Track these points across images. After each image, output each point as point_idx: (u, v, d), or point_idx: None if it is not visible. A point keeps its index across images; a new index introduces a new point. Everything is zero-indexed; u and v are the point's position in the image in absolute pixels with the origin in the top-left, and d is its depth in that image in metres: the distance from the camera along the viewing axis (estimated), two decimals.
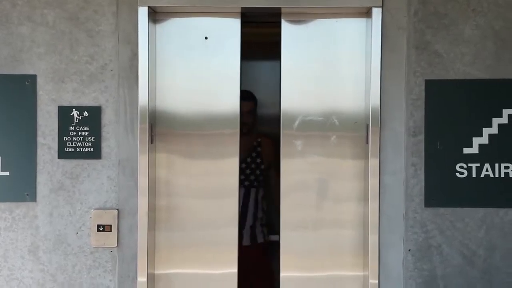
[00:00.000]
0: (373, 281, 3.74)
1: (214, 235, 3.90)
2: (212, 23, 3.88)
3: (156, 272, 3.90)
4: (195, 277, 3.91)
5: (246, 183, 5.02)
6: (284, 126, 3.87)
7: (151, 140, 3.79)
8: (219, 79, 3.88)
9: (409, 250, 3.76)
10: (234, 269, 3.90)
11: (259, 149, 5.04)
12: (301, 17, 3.86)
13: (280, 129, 3.87)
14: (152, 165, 3.81)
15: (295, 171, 3.87)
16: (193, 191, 3.90)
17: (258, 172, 5.04)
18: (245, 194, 5.02)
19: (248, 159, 5.02)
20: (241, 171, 4.77)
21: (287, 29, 3.87)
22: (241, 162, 4.48)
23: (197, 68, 3.88)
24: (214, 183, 3.90)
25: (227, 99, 3.89)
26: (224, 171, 3.89)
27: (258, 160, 5.03)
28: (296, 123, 3.88)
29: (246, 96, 4.77)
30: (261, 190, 5.08)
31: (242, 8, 3.80)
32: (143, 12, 3.75)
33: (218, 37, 3.88)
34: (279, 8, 3.80)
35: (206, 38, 3.89)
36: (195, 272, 3.90)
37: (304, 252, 3.88)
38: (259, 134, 5.12)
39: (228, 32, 3.88)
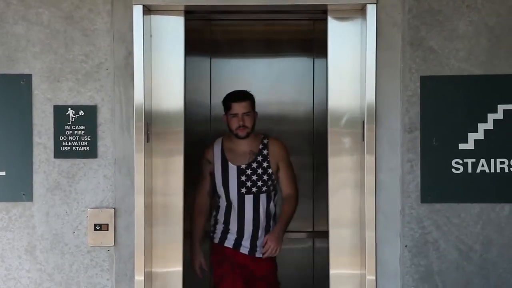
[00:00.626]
0: (371, 277, 3.75)
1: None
2: None
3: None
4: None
5: (254, 189, 4.48)
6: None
7: (147, 139, 3.79)
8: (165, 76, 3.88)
9: (406, 246, 3.76)
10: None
11: (265, 151, 4.56)
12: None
13: (328, 127, 3.87)
14: (148, 164, 3.80)
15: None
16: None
17: (265, 177, 4.50)
18: (253, 202, 4.49)
19: (254, 164, 4.50)
20: (247, 177, 4.48)
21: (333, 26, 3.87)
22: (246, 168, 4.48)
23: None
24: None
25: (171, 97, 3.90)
26: (169, 170, 3.89)
27: (265, 164, 4.52)
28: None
29: (240, 96, 4.47)
30: (271, 196, 4.56)
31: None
32: (138, 10, 3.74)
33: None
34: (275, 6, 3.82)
35: None
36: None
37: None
38: (266, 136, 4.62)
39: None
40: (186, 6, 3.83)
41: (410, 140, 3.77)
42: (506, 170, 3.75)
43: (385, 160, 3.77)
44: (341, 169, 3.85)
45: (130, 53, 3.77)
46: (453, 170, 3.76)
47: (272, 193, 4.54)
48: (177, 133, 3.87)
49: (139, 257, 3.75)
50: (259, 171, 4.48)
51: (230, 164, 4.49)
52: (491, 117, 3.75)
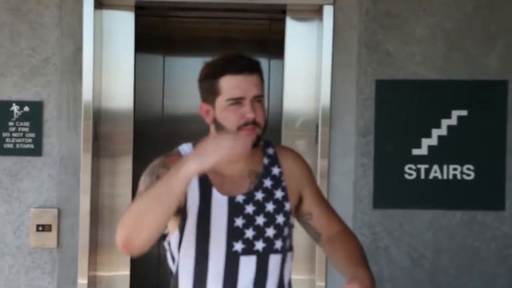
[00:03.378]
0: (320, 283, 3.69)
1: None
2: None
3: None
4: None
5: (260, 245, 2.14)
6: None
7: (95, 138, 3.67)
8: (115, 73, 3.78)
9: None
10: None
11: (276, 170, 2.25)
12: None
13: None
14: (95, 163, 3.69)
15: None
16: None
17: (280, 219, 2.18)
18: (256, 271, 2.16)
19: (259, 194, 2.18)
20: (248, 219, 2.14)
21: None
22: (245, 200, 2.14)
23: None
24: None
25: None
26: (117, 170, 3.79)
27: (279, 194, 2.21)
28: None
29: (247, 65, 2.13)
30: (286, 258, 2.23)
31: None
32: (88, 4, 3.63)
33: None
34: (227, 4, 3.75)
35: None
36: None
37: None
38: (268, 142, 2.32)
39: None
40: (137, 2, 3.73)
41: (364, 145, 3.73)
42: (459, 177, 3.72)
43: (338, 164, 3.72)
44: None
45: (79, 49, 3.65)
46: (406, 175, 3.72)
47: (289, 253, 2.26)
48: (126, 133, 3.77)
49: (83, 259, 3.64)
50: (269, 206, 2.17)
51: (215, 193, 2.14)
52: (444, 122, 3.71)
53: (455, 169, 3.72)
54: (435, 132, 3.71)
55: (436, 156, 3.72)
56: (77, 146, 3.66)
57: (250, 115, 2.04)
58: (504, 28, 3.72)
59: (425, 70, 3.73)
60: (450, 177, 3.72)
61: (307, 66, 3.78)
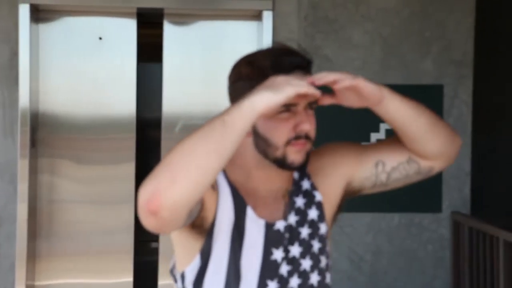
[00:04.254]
0: None
1: (106, 243, 3.76)
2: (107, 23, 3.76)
3: (36, 283, 3.71)
4: (83, 287, 3.75)
5: (295, 282, 1.68)
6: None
7: (32, 144, 3.61)
8: (114, 81, 3.75)
9: None
10: (130, 278, 3.76)
11: (305, 185, 1.76)
12: (187, 18, 3.78)
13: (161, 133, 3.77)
14: (33, 170, 3.62)
15: None
16: (82, 197, 3.74)
17: (317, 246, 1.72)
18: None
19: (293, 218, 1.70)
20: (286, 250, 1.69)
21: (170, 30, 3.78)
22: (285, 228, 1.68)
23: (90, 69, 3.75)
24: (106, 189, 3.75)
25: (122, 102, 3.77)
26: (118, 177, 3.75)
27: (313, 214, 1.73)
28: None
29: (300, 60, 1.64)
30: None
31: (138, 8, 3.70)
32: (24, 10, 3.56)
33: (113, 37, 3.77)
34: (162, 9, 3.72)
35: (100, 38, 3.75)
36: (83, 282, 3.75)
37: None
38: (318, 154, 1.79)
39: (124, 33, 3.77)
40: (71, 6, 3.68)
41: None
42: None
43: None
44: None
45: (15, 54, 3.58)
46: None
47: None
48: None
49: (20, 268, 3.56)
50: (304, 231, 1.73)
51: (250, 214, 1.67)
52: (382, 126, 3.77)
53: None
54: (374, 136, 3.76)
55: None
56: (14, 153, 3.59)
57: (305, 127, 1.56)
58: (438, 34, 3.79)
59: (363, 75, 3.76)
60: None
61: None
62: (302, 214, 1.71)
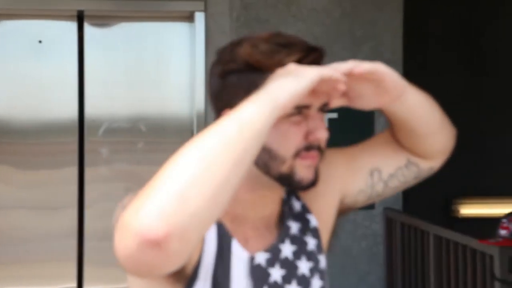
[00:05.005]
0: None
1: (48, 249, 3.69)
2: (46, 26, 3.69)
3: None
4: None
5: None
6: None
7: None
8: (55, 84, 3.67)
9: None
10: (73, 284, 3.70)
11: (296, 206, 1.39)
12: (111, 20, 3.74)
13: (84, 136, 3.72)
14: None
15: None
16: (23, 203, 3.66)
17: (316, 287, 1.34)
18: None
19: (287, 247, 1.33)
20: None
21: (90, 32, 3.73)
22: (269, 260, 1.29)
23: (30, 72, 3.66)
24: (48, 194, 3.68)
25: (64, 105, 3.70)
26: (60, 181, 3.68)
27: (312, 244, 1.36)
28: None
29: (315, 49, 1.31)
30: None
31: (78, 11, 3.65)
32: None
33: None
34: (83, 11, 3.68)
35: (40, 41, 3.68)
36: None
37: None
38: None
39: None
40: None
41: None
42: None
43: None
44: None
45: None
46: None
47: None
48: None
49: None
50: (303, 266, 1.34)
51: (235, 248, 1.28)
52: None
53: None
54: None
55: None
56: None
57: (321, 135, 1.22)
58: (369, 33, 3.86)
59: None
60: None
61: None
62: (299, 243, 1.33)
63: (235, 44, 1.27)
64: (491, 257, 3.08)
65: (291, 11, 3.81)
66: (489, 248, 3.13)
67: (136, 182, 3.68)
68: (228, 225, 1.27)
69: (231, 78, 1.23)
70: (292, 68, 1.15)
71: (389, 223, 3.85)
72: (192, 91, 3.72)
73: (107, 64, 3.73)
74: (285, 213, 1.34)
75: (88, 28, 3.72)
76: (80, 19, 3.72)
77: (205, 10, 3.71)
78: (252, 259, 1.26)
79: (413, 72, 3.86)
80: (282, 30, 3.82)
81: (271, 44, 1.22)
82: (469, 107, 4.50)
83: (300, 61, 1.20)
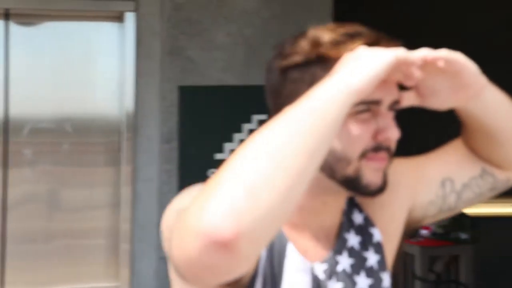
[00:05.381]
0: None
1: None
2: None
3: None
4: None
5: None
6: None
7: None
8: None
9: (162, 258, 3.71)
10: None
11: (357, 219, 1.29)
12: (39, 19, 3.67)
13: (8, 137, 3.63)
14: None
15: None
16: None
17: None
18: None
19: (342, 261, 1.23)
20: None
21: (16, 30, 3.66)
22: (330, 271, 1.20)
23: None
24: None
25: None
26: None
27: (373, 260, 1.26)
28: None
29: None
30: None
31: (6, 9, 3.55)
32: None
33: None
34: (9, 9, 3.60)
35: None
36: None
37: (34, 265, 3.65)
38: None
39: None
40: None
41: (168, 151, 3.73)
42: None
43: (143, 171, 3.69)
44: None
45: None
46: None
47: None
48: None
49: None
50: (363, 283, 1.23)
51: (292, 255, 1.19)
52: (246, 127, 3.81)
53: None
54: (237, 137, 3.80)
55: None
56: None
57: (392, 134, 1.12)
58: None
59: (227, 76, 3.81)
60: None
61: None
62: (357, 257, 1.22)
63: (297, 37, 1.18)
64: (412, 256, 3.12)
65: (222, 12, 3.80)
66: (410, 247, 3.18)
67: (62, 184, 3.63)
68: (287, 234, 1.16)
69: (293, 73, 1.14)
70: (363, 50, 1.04)
71: None
72: (121, 92, 3.68)
73: (34, 63, 3.66)
74: (344, 224, 1.23)
75: (14, 27, 3.64)
76: (6, 17, 3.64)
77: (136, 11, 3.67)
78: (311, 269, 1.16)
79: None
80: (213, 31, 3.83)
81: (337, 34, 1.12)
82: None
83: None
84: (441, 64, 1.05)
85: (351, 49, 1.08)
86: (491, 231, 5.64)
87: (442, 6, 6.01)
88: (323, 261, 1.18)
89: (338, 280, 1.18)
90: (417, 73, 1.04)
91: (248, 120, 3.81)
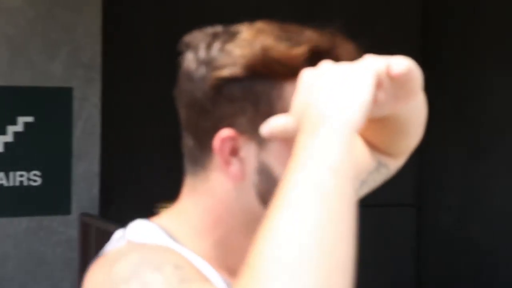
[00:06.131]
0: None
1: None
2: None
3: None
4: None
5: None
6: None
7: None
8: None
9: None
10: None
11: None
12: None
13: None
14: None
15: None
16: None
17: None
18: None
19: None
20: None
21: None
22: None
23: None
24: None
25: None
26: None
27: None
28: None
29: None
30: None
31: None
32: None
33: None
34: None
35: None
36: None
37: None
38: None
39: None
40: None
41: None
42: (25, 183, 3.70)
43: None
44: None
45: None
46: None
47: None
48: None
49: None
50: None
51: None
52: (11, 129, 3.67)
53: (21, 176, 3.69)
54: (1, 139, 3.64)
55: (2, 163, 3.65)
56: None
57: None
58: (67, 36, 3.81)
59: None
60: (17, 183, 3.68)
61: None
62: None
63: (224, 40, 0.90)
64: None
65: None
66: None
67: None
68: (226, 277, 0.95)
69: (230, 89, 0.89)
70: (329, 69, 0.83)
71: (85, 229, 3.82)
72: None
73: None
74: None
75: None
76: None
77: None
78: None
79: (113, 76, 3.90)
80: None
81: (285, 38, 0.88)
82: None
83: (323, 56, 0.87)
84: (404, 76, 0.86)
85: (306, 59, 0.87)
86: None
87: None
88: None
89: None
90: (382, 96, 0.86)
91: (14, 122, 3.67)
